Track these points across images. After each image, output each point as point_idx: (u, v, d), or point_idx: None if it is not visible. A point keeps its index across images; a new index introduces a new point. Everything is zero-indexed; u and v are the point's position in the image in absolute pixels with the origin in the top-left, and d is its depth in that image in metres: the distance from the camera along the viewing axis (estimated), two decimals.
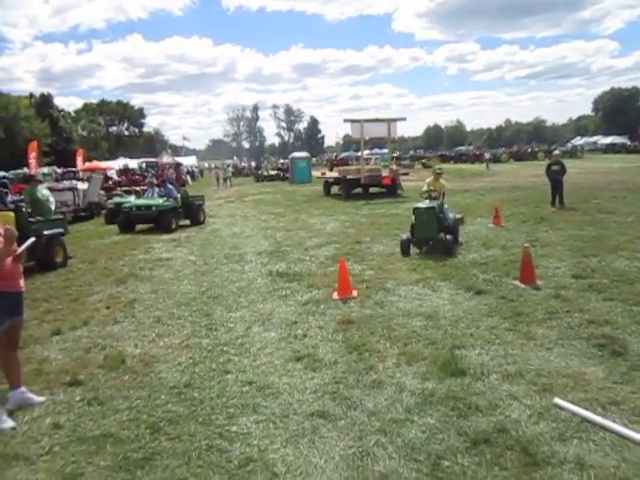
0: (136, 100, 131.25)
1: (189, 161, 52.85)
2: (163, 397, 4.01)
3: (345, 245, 9.96)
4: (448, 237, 8.79)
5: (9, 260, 3.62)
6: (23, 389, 4.00)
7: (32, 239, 4.08)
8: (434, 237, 8.78)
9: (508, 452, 2.94)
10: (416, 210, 8.93)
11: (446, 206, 9.64)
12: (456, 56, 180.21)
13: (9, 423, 3.65)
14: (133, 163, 41.46)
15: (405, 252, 8.71)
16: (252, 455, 3.14)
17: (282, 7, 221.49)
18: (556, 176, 14.20)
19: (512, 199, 16.91)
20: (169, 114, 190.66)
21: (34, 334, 5.62)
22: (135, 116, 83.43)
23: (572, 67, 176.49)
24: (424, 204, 9.05)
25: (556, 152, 19.53)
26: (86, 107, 75.33)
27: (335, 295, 6.42)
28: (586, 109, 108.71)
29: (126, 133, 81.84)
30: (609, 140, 74.75)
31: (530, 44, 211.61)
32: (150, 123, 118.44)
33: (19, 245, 3.77)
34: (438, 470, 2.84)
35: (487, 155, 46.28)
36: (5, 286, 3.60)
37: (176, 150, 72.03)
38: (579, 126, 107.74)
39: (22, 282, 3.84)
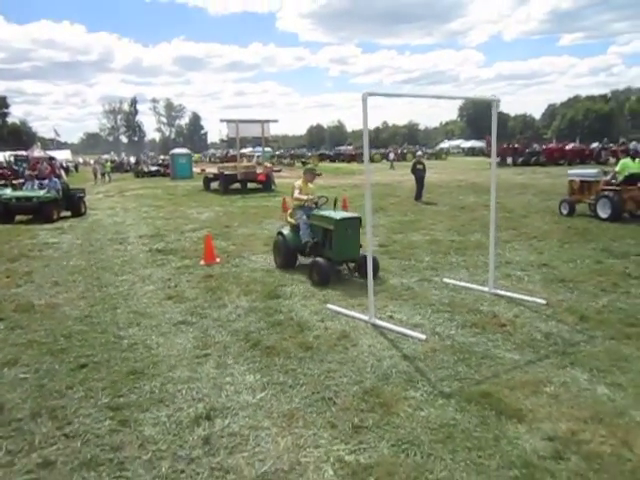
0: None
1: (62, 155, 50.74)
2: (70, 323, 5.68)
3: (216, 229, 11.86)
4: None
5: None
6: None
7: None
8: (357, 257, 7.10)
9: (290, 327, 5.19)
10: (339, 223, 6.88)
11: None
12: (338, 58, 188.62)
13: None
14: None
15: (325, 281, 6.71)
16: (136, 342, 5.03)
17: None
18: (420, 174, 17.14)
19: None
20: (36, 104, 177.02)
21: None
22: None
23: (443, 75, 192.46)
24: (343, 214, 7.35)
25: (419, 153, 23.03)
26: None
27: (202, 262, 8.36)
28: (454, 115, 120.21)
29: None
30: (470, 144, 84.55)
31: (406, 50, 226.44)
32: (14, 113, 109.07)
33: None
34: (247, 337, 4.97)
35: (392, 156, 46.72)
36: None
37: (45, 143, 67.90)
38: (447, 130, 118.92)
39: None
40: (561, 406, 3.49)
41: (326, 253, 7.11)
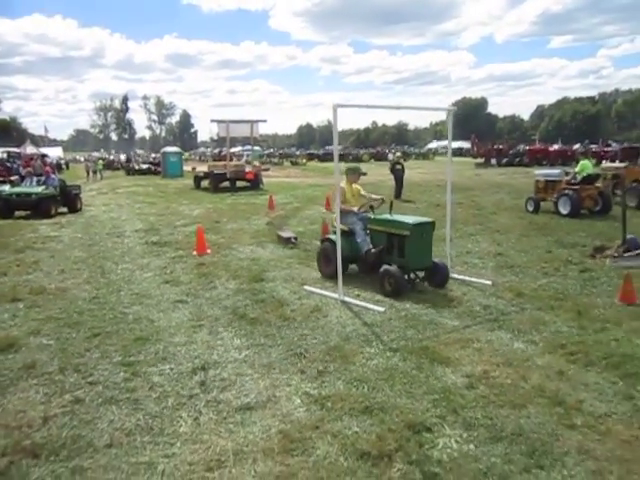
0: None
1: (55, 152, 51.16)
2: (80, 303, 6.52)
3: (207, 224, 12.66)
4: (439, 262, 6.73)
5: None
6: None
7: None
8: (430, 265, 6.65)
9: (271, 303, 6.09)
10: (414, 228, 6.38)
11: None
12: (330, 57, 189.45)
13: None
14: None
15: (401, 291, 6.20)
16: (140, 317, 5.89)
17: None
18: (399, 174, 18.16)
19: None
20: (26, 99, 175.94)
21: None
22: None
23: (434, 75, 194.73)
24: (416, 218, 6.84)
25: (397, 154, 24.08)
26: None
27: (194, 252, 9.22)
28: (444, 115, 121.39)
29: None
30: (457, 145, 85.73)
31: (398, 51, 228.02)
32: (5, 109, 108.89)
33: None
34: (235, 311, 5.87)
35: (390, 156, 46.32)
36: None
37: (35, 140, 67.98)
38: (436, 131, 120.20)
39: None
40: (482, 356, 4.44)
41: (395, 261, 6.52)
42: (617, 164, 16.09)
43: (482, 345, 4.68)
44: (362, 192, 7.49)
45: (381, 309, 5.70)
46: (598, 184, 12.63)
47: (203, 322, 5.61)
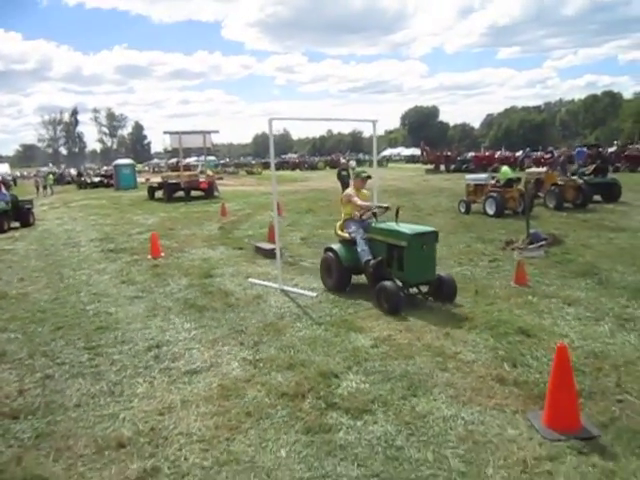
0: None
1: (0, 169, 49.92)
2: (42, 304, 7.13)
3: (161, 231, 13.25)
4: (445, 275, 6.24)
5: None
6: None
7: None
8: (433, 279, 6.13)
9: (218, 293, 6.92)
10: (413, 239, 5.90)
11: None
12: (285, 67, 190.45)
13: None
14: None
15: (397, 308, 5.73)
16: (100, 311, 6.58)
17: (103, 5, 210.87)
18: (346, 179, 19.12)
19: (303, 198, 21.75)
20: None
21: None
22: None
23: (387, 84, 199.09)
24: (415, 228, 6.26)
25: (343, 161, 25.19)
26: None
27: (149, 256, 9.89)
28: (397, 123, 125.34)
29: None
30: (410, 152, 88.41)
31: (352, 60, 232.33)
32: None
33: None
34: (186, 302, 6.66)
35: (352, 164, 47.22)
36: None
37: None
38: (390, 138, 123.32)
39: None
40: (390, 325, 5.40)
41: (395, 274, 6.14)
42: (540, 169, 17.66)
43: (392, 318, 5.64)
44: (368, 198, 7.25)
45: (313, 294, 6.60)
46: (519, 187, 13.99)
47: (157, 312, 6.37)
